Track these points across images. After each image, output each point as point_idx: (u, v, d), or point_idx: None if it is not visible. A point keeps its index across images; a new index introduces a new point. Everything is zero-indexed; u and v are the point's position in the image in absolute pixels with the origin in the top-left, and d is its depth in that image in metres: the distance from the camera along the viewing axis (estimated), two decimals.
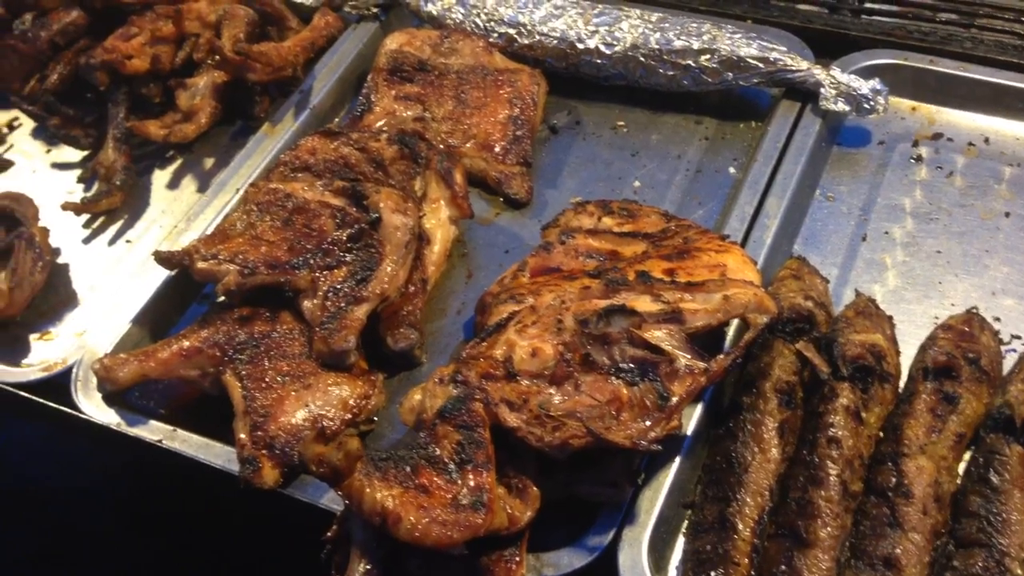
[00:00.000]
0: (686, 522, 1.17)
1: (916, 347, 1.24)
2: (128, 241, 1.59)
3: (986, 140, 1.55)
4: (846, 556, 1.05)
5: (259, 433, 1.23)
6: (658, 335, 1.16)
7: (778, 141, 1.52)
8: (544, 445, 1.10)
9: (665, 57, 1.61)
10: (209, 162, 1.70)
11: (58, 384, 1.36)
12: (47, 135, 1.77)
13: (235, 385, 1.28)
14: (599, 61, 1.65)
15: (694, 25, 1.62)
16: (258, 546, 1.77)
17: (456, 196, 1.49)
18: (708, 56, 1.59)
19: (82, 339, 1.42)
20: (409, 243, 1.38)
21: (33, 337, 1.47)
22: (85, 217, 1.62)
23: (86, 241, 1.60)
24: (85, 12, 1.73)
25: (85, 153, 1.73)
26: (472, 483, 1.06)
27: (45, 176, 1.72)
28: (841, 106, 1.52)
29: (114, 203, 1.61)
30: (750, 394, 1.19)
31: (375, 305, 1.32)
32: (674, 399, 1.11)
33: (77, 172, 1.71)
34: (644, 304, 1.20)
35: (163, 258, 1.39)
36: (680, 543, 1.16)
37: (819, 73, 1.54)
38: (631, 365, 1.15)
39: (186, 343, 1.32)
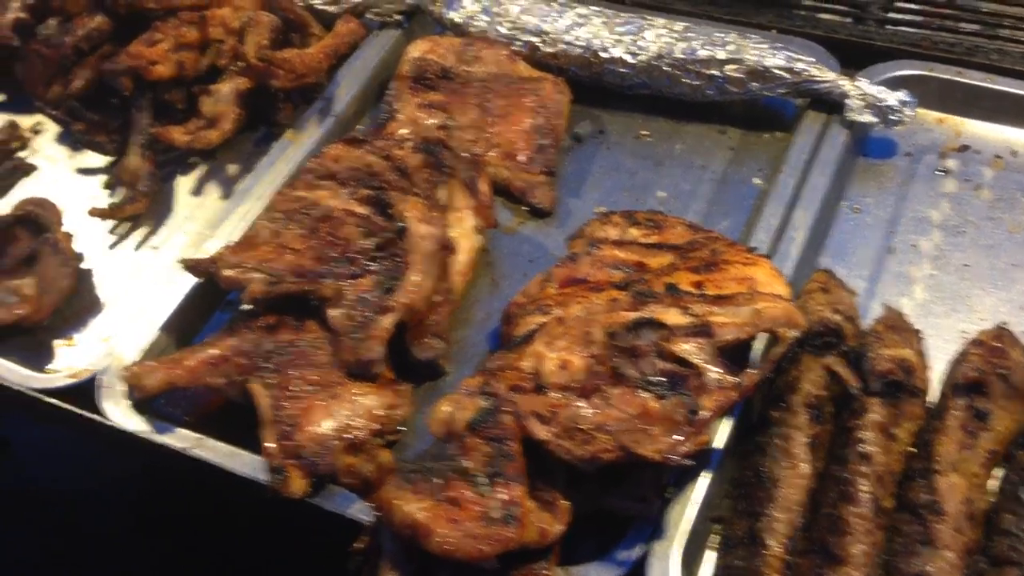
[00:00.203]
0: (715, 536, 1.17)
1: (944, 361, 1.24)
2: (153, 247, 1.59)
3: (1013, 153, 1.54)
4: (878, 574, 1.05)
5: (286, 442, 1.23)
6: (687, 348, 1.16)
7: (804, 152, 1.52)
8: (574, 458, 1.10)
9: (690, 67, 1.61)
10: (232, 168, 1.70)
11: (82, 390, 1.37)
12: (71, 140, 1.77)
13: (262, 393, 1.28)
14: (623, 70, 1.65)
15: (719, 35, 1.62)
16: (267, 550, 1.78)
17: (481, 205, 1.49)
18: (733, 66, 1.59)
19: (107, 345, 1.42)
20: (435, 253, 1.38)
21: (57, 343, 1.47)
22: (109, 223, 1.62)
23: (111, 247, 1.60)
24: (109, 18, 1.73)
25: (109, 159, 1.73)
26: (503, 497, 1.06)
27: (69, 181, 1.72)
28: (868, 117, 1.52)
29: (139, 209, 1.61)
30: (779, 408, 1.19)
31: (402, 315, 1.32)
32: (704, 413, 1.11)
33: (101, 178, 1.72)
34: (673, 317, 1.19)
35: (190, 266, 1.40)
36: (707, 557, 1.16)
37: (845, 84, 1.54)
38: (660, 378, 1.15)
39: (213, 351, 1.32)
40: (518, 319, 1.32)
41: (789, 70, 1.55)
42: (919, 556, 1.04)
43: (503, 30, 1.72)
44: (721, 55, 1.59)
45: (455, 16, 1.76)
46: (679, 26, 1.65)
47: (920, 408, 1.17)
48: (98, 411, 1.33)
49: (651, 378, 1.15)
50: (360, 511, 1.19)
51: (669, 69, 1.62)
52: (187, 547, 2.02)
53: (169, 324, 1.43)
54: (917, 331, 1.27)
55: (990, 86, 1.57)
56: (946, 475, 1.09)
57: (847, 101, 1.53)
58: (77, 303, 1.50)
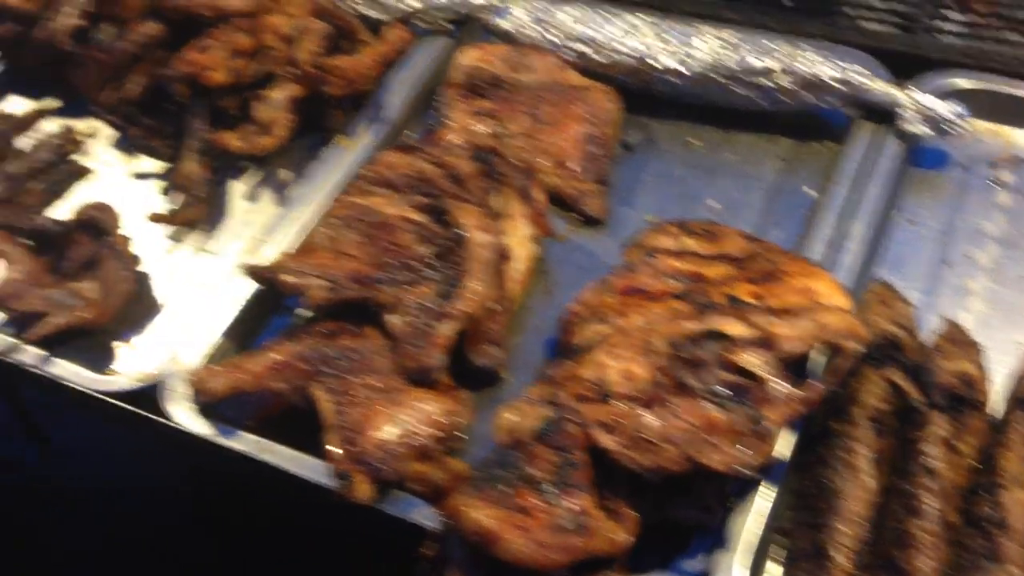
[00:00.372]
0: (777, 548, 1.18)
1: (1003, 375, 1.24)
2: (209, 252, 1.61)
3: None
4: None
5: (351, 447, 1.25)
6: (750, 360, 1.17)
7: (856, 163, 1.53)
8: (640, 468, 1.12)
9: (741, 77, 1.62)
10: (285, 174, 1.72)
11: (146, 393, 1.39)
12: (124, 145, 1.79)
13: (324, 399, 1.29)
14: (674, 79, 1.66)
15: (770, 45, 1.63)
16: (324, 555, 1.80)
17: (536, 213, 1.50)
18: (786, 76, 1.59)
19: (170, 349, 1.44)
20: (493, 261, 1.39)
21: (117, 346, 1.49)
22: (165, 227, 1.64)
23: (167, 251, 1.62)
24: (163, 24, 1.75)
25: (163, 163, 1.75)
26: (573, 505, 1.08)
27: (123, 185, 1.74)
28: (921, 129, 1.53)
29: (196, 214, 1.63)
30: (841, 421, 1.20)
31: (462, 322, 1.34)
32: (770, 425, 1.12)
33: (155, 182, 1.74)
34: (735, 328, 1.21)
35: (251, 272, 1.42)
36: (769, 568, 1.17)
37: (898, 95, 1.54)
38: (724, 390, 1.16)
39: (275, 356, 1.34)
40: (576, 327, 1.33)
41: (842, 81, 1.56)
42: (985, 571, 1.05)
43: (553, 38, 1.73)
44: (773, 65, 1.60)
45: (505, 24, 1.77)
46: (730, 36, 1.66)
47: (983, 422, 1.18)
48: (162, 413, 1.36)
49: (714, 389, 1.16)
50: (423, 516, 1.21)
51: (720, 79, 1.63)
52: (241, 550, 2.05)
53: (229, 329, 1.45)
54: (977, 344, 1.28)
55: None
56: (1011, 489, 1.09)
57: (900, 112, 1.54)
58: (136, 306, 1.52)
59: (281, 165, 1.73)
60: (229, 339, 1.45)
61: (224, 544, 2.02)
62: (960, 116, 1.52)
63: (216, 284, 1.54)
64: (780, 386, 1.15)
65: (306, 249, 1.45)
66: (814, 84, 1.58)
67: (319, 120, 1.76)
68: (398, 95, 1.75)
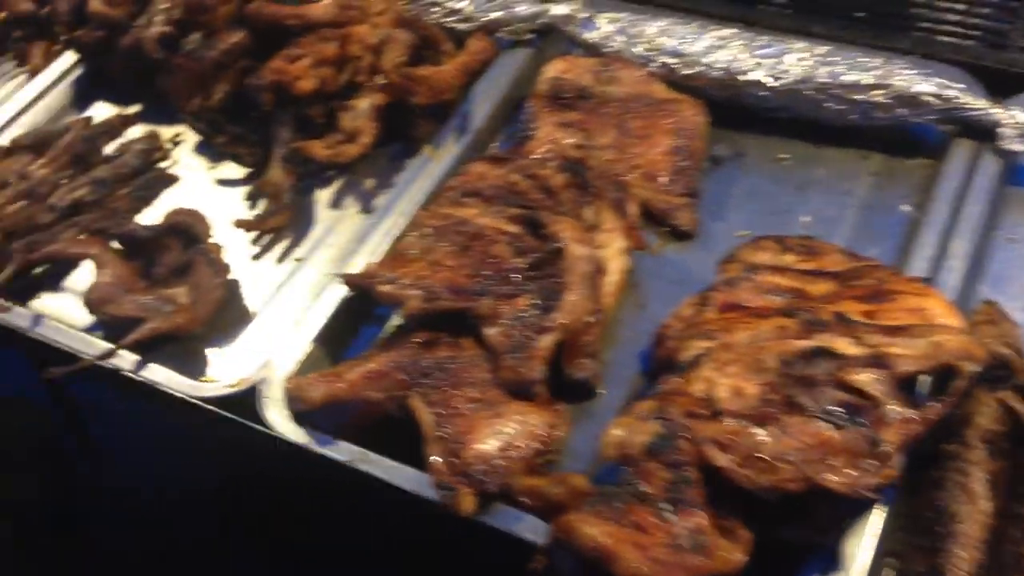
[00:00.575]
0: (889, 570, 1.16)
1: None
2: (296, 259, 1.61)
3: None
4: None
5: (453, 459, 1.24)
6: (864, 379, 1.15)
7: (955, 180, 1.51)
8: (756, 487, 1.10)
9: (834, 91, 1.60)
10: (369, 183, 1.72)
11: (240, 399, 1.39)
12: (209, 152, 1.80)
13: (424, 409, 1.29)
14: (763, 93, 1.65)
15: (864, 59, 1.61)
16: (416, 566, 1.79)
17: (629, 227, 1.49)
18: (880, 92, 1.58)
19: (260, 356, 1.44)
20: (591, 274, 1.39)
21: (209, 351, 1.49)
22: (252, 235, 1.65)
23: (253, 258, 1.63)
24: (250, 33, 1.77)
25: (247, 170, 1.76)
26: (689, 524, 1.06)
27: (208, 192, 1.75)
28: (1021, 147, 1.50)
29: (282, 222, 1.64)
30: (954, 442, 1.17)
31: (561, 335, 1.33)
32: (888, 447, 1.10)
33: (240, 189, 1.75)
34: (846, 346, 1.19)
35: (349, 281, 1.42)
36: None
37: (998, 112, 1.52)
38: (837, 409, 1.14)
39: (372, 366, 1.34)
40: (676, 342, 1.32)
41: (939, 97, 1.54)
42: None
43: (639, 51, 1.73)
44: (867, 80, 1.58)
45: (590, 36, 1.77)
46: (821, 49, 1.64)
47: None
48: (259, 420, 1.36)
49: (828, 408, 1.15)
50: (528, 530, 1.20)
51: (812, 93, 1.62)
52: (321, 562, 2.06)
53: (320, 337, 1.45)
54: None
55: None
56: None
57: (1000, 130, 1.52)
58: (226, 313, 1.53)
59: (365, 174, 1.73)
60: (320, 347, 1.45)
61: (300, 560, 2.03)
62: None
63: (304, 291, 1.54)
64: (896, 406, 1.13)
65: (399, 258, 1.45)
66: (910, 100, 1.56)
67: (402, 129, 1.76)
68: (482, 106, 1.75)
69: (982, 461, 1.15)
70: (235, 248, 1.63)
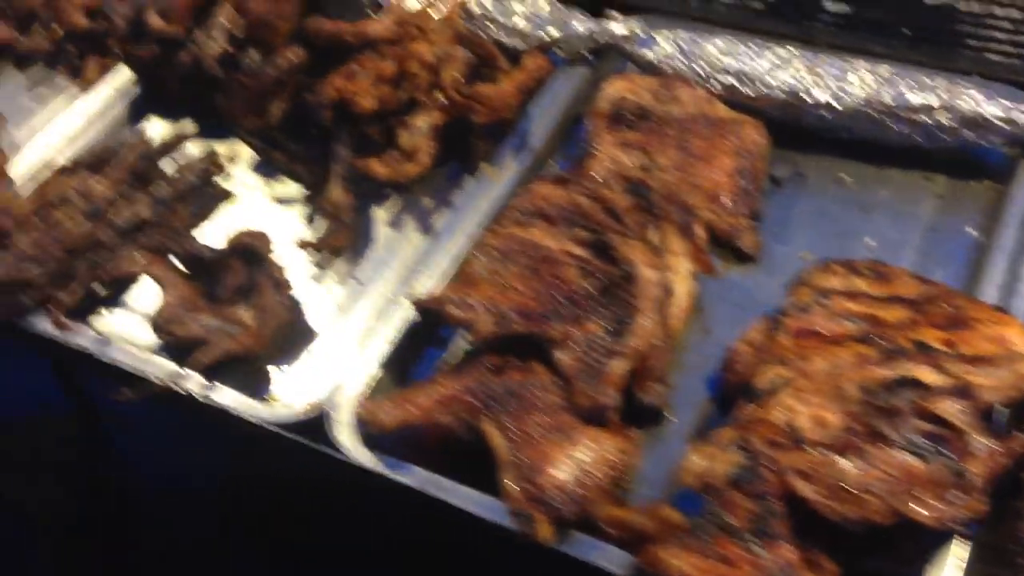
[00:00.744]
0: None
1: None
2: (357, 280, 1.61)
3: None
4: None
5: (528, 486, 1.24)
6: (949, 409, 1.15)
7: (1023, 204, 1.50)
8: (843, 519, 1.09)
9: (898, 112, 1.59)
10: (427, 202, 1.72)
11: (310, 423, 1.39)
12: (265, 169, 1.80)
13: (496, 435, 1.28)
14: (826, 114, 1.64)
15: (928, 81, 1.60)
16: None
17: (697, 250, 1.49)
18: (946, 114, 1.57)
19: (327, 379, 1.44)
20: (662, 298, 1.38)
21: (274, 373, 1.49)
22: (310, 254, 1.65)
23: (313, 278, 1.63)
24: (307, 49, 1.77)
25: (303, 189, 1.76)
26: (777, 557, 1.06)
27: (265, 210, 1.75)
28: None
29: (343, 241, 1.64)
30: None
31: (634, 360, 1.33)
32: (976, 479, 1.09)
33: (296, 207, 1.75)
34: (928, 375, 1.18)
35: (419, 304, 1.42)
36: None
37: None
38: (922, 440, 1.14)
39: (443, 390, 1.34)
40: (748, 368, 1.32)
41: (1008, 120, 1.53)
42: None
43: (700, 70, 1.72)
44: (933, 102, 1.58)
45: (650, 55, 1.76)
46: (885, 70, 1.63)
47: None
48: (328, 444, 1.36)
49: (912, 438, 1.14)
50: (604, 559, 1.19)
51: (876, 114, 1.61)
52: (321, 562, 2.07)
53: (387, 360, 1.45)
54: None
55: None
56: None
57: None
58: (290, 334, 1.53)
59: (422, 193, 1.73)
60: (386, 370, 1.45)
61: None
62: None
63: (367, 313, 1.53)
64: (982, 437, 1.12)
65: (466, 280, 1.45)
66: (976, 122, 1.55)
67: (458, 148, 1.76)
68: (540, 124, 1.74)
69: None
70: (295, 267, 1.63)
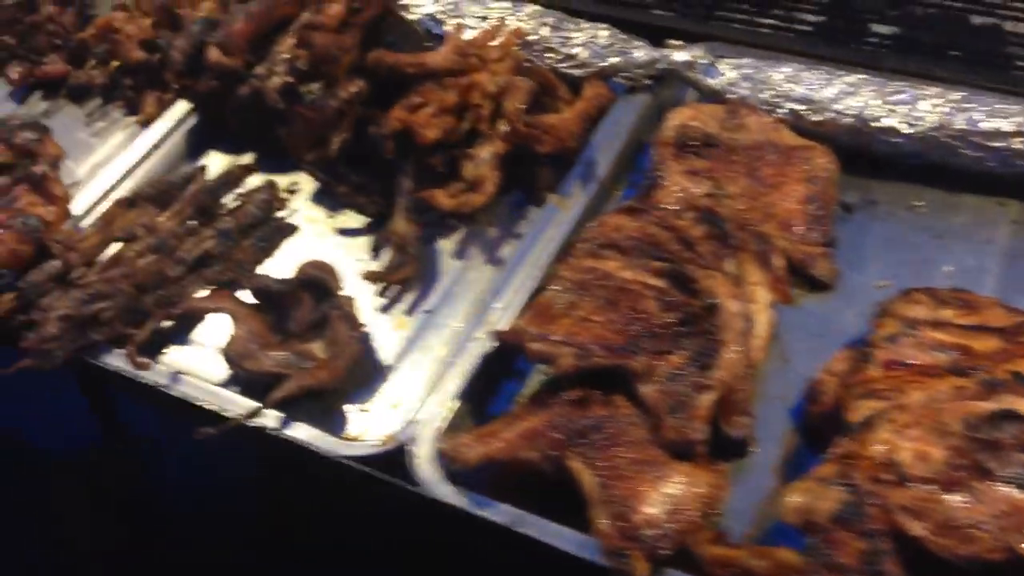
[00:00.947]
0: None
1: None
2: (426, 312, 1.60)
3: None
4: None
5: (622, 523, 1.21)
6: None
7: None
8: (956, 558, 1.06)
9: (971, 138, 1.58)
10: (492, 232, 1.70)
11: (388, 458, 1.37)
12: (327, 201, 1.80)
13: (586, 472, 1.26)
14: (896, 140, 1.63)
15: (1001, 106, 1.59)
16: None
17: (776, 280, 1.47)
18: (1019, 138, 1.55)
19: (402, 413, 1.42)
20: (746, 330, 1.36)
21: (348, 408, 1.48)
22: (376, 286, 1.64)
23: (381, 310, 1.62)
24: (368, 81, 1.76)
25: (366, 220, 1.75)
26: None
27: (328, 242, 1.74)
28: None
29: (410, 273, 1.62)
30: None
31: (721, 393, 1.31)
32: None
33: (359, 239, 1.74)
34: None
35: (499, 337, 1.40)
36: None
37: None
38: None
39: (527, 425, 1.32)
40: (835, 399, 1.29)
41: None
42: None
43: (765, 97, 1.71)
44: (1007, 127, 1.56)
45: (713, 83, 1.75)
46: (956, 96, 1.62)
47: None
48: (408, 479, 1.34)
49: (1019, 473, 1.12)
50: None
51: (948, 140, 1.59)
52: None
53: (463, 393, 1.43)
54: None
55: None
56: None
57: None
58: (361, 367, 1.51)
59: (486, 223, 1.72)
60: (463, 403, 1.43)
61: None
62: None
63: (438, 345, 1.53)
64: None
65: (544, 314, 1.43)
66: None
67: (521, 177, 1.75)
68: (605, 153, 1.73)
69: None
70: (362, 299, 1.61)
